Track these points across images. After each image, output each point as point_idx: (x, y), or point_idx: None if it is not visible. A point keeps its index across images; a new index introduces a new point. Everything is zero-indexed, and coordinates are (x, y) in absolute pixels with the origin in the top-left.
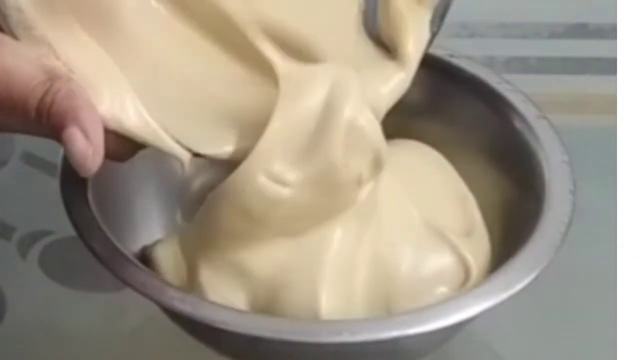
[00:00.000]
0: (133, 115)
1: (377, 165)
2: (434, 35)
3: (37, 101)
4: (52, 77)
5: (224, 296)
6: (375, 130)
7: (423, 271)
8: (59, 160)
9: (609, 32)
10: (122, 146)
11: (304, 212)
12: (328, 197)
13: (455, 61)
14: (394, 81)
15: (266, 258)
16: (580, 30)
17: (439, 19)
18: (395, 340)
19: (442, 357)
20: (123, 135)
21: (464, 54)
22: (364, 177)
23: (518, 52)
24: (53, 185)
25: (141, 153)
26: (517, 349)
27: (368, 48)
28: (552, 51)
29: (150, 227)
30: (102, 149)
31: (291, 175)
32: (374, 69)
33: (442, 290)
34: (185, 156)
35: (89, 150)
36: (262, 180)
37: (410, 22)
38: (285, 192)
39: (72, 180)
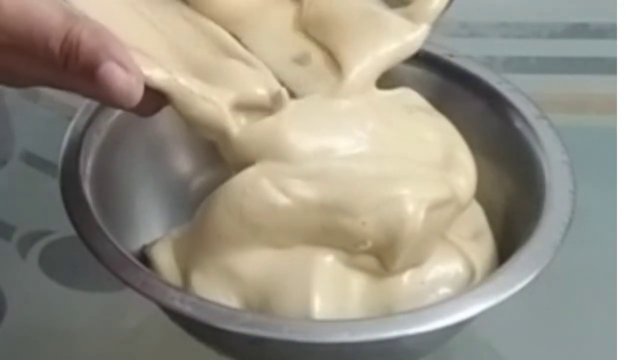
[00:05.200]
0: (158, 68)
1: (390, 255)
2: None
3: (60, 41)
4: (70, 16)
5: (216, 299)
6: (413, 233)
7: (428, 275)
8: (59, 160)
9: (609, 32)
10: (148, 100)
11: (298, 230)
12: (326, 231)
13: (455, 61)
14: (419, 31)
15: (257, 263)
16: (580, 30)
17: None
18: (395, 340)
19: (442, 357)
20: (147, 90)
21: (464, 53)
22: (368, 245)
23: (518, 52)
24: (53, 185)
25: (141, 153)
26: (517, 349)
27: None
28: (552, 51)
29: (150, 227)
30: (142, 76)
31: (302, 191)
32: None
33: (446, 291)
34: (215, 111)
35: (131, 80)
36: (265, 183)
37: None
38: (284, 201)
39: (72, 180)
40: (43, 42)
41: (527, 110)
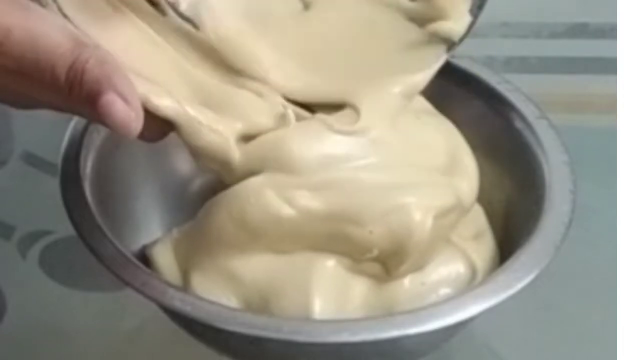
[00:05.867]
0: (167, 98)
1: (395, 262)
2: (471, 24)
3: (66, 69)
4: (79, 44)
5: (216, 300)
6: (420, 241)
7: (429, 276)
8: (59, 160)
9: (609, 32)
10: (154, 128)
11: (301, 238)
12: (331, 239)
13: (455, 61)
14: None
15: (258, 266)
16: (580, 30)
17: (477, 8)
18: (395, 340)
19: (442, 357)
20: (154, 118)
21: (464, 53)
22: (375, 253)
23: (518, 52)
24: (53, 185)
25: (141, 153)
26: (517, 349)
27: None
28: (552, 51)
29: (150, 227)
30: (142, 110)
31: (307, 201)
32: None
33: (447, 292)
34: (222, 142)
35: (131, 114)
36: (269, 194)
37: (450, 12)
38: (289, 211)
39: (72, 180)
40: (50, 69)
41: (527, 110)
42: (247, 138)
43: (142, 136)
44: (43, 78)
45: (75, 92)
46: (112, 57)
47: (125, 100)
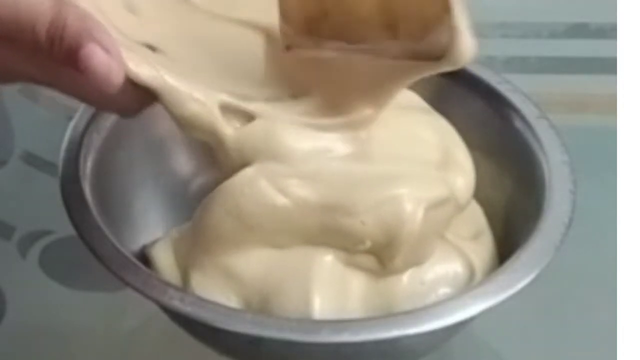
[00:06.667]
0: (146, 65)
1: (389, 254)
2: None
3: (47, 25)
4: (59, 2)
5: (216, 299)
6: (411, 232)
7: (428, 275)
8: (59, 160)
9: (609, 32)
10: (131, 99)
11: (296, 230)
12: (325, 230)
13: None
14: None
15: (257, 263)
16: (580, 30)
17: None
18: (395, 340)
19: (442, 357)
20: (132, 87)
21: None
22: (367, 244)
23: (518, 52)
24: (53, 185)
25: (140, 154)
26: (517, 349)
27: None
28: (552, 51)
29: (150, 227)
30: (123, 63)
31: (300, 190)
32: None
33: (446, 291)
34: (205, 111)
35: (112, 63)
36: (263, 183)
37: None
38: (282, 201)
39: (72, 180)
40: (30, 26)
41: (527, 110)
42: (231, 110)
43: (120, 108)
44: (24, 37)
45: (56, 48)
46: (92, 14)
47: (106, 50)
